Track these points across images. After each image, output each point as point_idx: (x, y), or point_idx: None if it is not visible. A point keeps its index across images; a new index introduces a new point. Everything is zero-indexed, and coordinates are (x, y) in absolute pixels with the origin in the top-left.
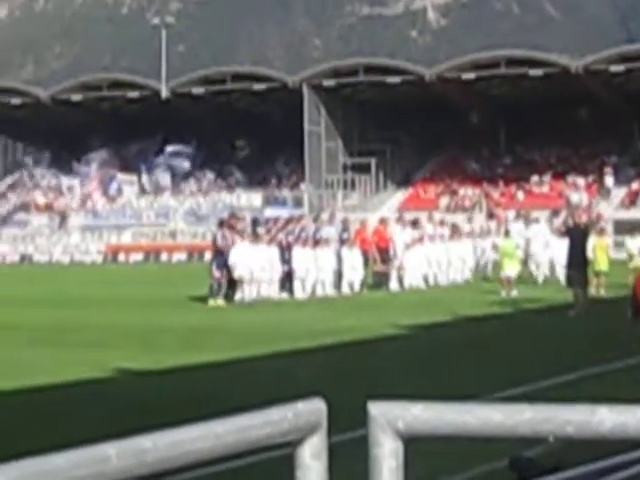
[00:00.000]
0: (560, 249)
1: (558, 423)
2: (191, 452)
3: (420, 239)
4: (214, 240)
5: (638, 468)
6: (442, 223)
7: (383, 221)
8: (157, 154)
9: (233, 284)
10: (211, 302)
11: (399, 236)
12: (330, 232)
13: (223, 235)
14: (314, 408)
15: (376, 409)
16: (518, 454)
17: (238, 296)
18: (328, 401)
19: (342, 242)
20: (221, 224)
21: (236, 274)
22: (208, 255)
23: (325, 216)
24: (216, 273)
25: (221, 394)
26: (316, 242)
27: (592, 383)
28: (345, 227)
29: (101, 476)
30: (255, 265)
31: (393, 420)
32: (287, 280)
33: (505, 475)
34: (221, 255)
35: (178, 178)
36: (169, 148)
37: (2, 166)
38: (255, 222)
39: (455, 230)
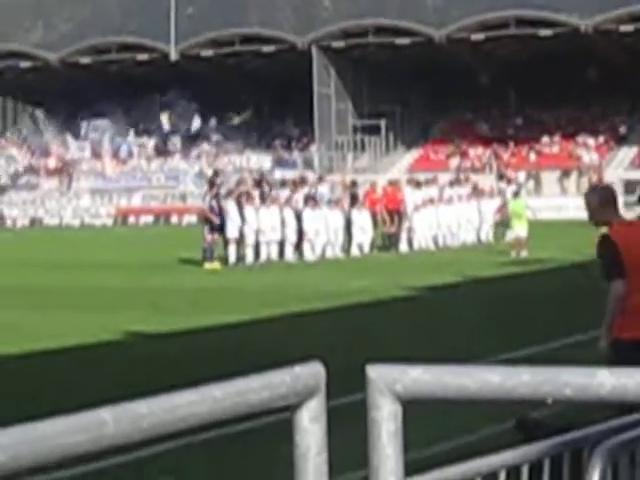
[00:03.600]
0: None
1: (557, 385)
2: (188, 417)
3: (430, 200)
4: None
5: None
6: (452, 184)
7: (393, 182)
8: (165, 116)
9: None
10: (207, 265)
11: (409, 197)
12: (322, 194)
13: (212, 197)
14: (312, 372)
15: (374, 372)
16: (524, 415)
17: (231, 258)
18: (333, 364)
19: (352, 204)
20: (211, 185)
21: (228, 235)
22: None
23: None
24: (208, 236)
25: (228, 356)
26: (315, 203)
27: None
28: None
29: (98, 441)
30: (264, 227)
31: (391, 383)
32: (297, 242)
33: (512, 436)
34: (214, 217)
35: (188, 140)
36: (177, 109)
37: (13, 129)
38: (260, 183)
39: (476, 190)
